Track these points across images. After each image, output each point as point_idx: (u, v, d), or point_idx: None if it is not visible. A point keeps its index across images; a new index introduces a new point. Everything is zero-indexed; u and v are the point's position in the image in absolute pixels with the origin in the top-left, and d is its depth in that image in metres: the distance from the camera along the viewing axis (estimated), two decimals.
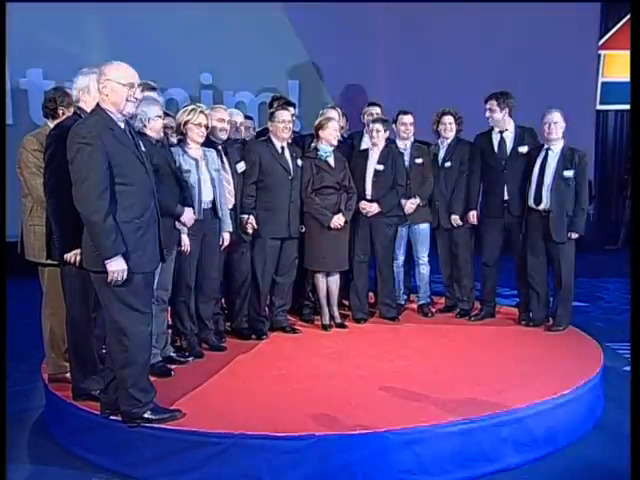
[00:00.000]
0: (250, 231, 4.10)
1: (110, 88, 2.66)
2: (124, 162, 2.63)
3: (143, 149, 2.79)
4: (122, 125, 2.71)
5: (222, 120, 3.91)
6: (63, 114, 3.31)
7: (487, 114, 4.45)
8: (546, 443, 3.03)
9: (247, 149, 4.19)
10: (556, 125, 4.21)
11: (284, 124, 4.14)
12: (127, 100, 2.67)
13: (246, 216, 4.08)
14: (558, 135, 4.23)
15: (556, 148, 4.25)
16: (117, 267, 2.59)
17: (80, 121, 2.72)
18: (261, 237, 4.16)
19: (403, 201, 4.58)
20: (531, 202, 4.29)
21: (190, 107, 3.71)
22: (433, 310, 4.88)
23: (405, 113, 4.67)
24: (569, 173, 4.19)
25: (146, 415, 2.78)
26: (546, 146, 4.29)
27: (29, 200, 3.36)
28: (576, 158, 4.20)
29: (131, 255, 2.65)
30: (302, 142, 4.65)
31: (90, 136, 2.56)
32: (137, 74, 2.75)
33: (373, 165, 4.50)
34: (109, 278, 2.60)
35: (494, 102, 4.41)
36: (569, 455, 3.04)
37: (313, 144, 4.45)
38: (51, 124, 3.25)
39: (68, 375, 3.22)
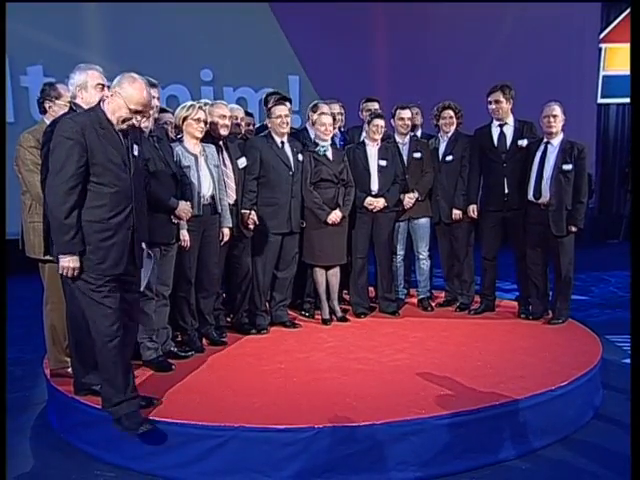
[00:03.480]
0: (252, 227, 4.12)
1: (116, 102, 2.64)
2: (104, 162, 2.61)
3: (135, 153, 2.74)
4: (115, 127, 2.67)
5: (223, 116, 3.90)
6: (50, 108, 3.34)
7: (492, 106, 4.42)
8: (545, 434, 3.04)
9: (248, 145, 4.19)
10: (555, 118, 4.21)
11: (281, 119, 4.15)
12: (124, 121, 2.64)
13: (247, 212, 4.10)
14: (557, 128, 4.23)
15: (555, 142, 4.25)
16: (69, 264, 2.59)
17: (70, 115, 2.73)
18: (262, 232, 4.18)
19: (402, 196, 4.60)
20: (530, 196, 4.29)
21: (189, 103, 3.72)
22: (433, 304, 4.90)
23: (403, 108, 4.67)
24: (568, 167, 4.19)
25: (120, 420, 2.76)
26: (545, 140, 4.28)
27: (28, 197, 3.37)
28: (575, 151, 4.20)
29: (89, 256, 2.63)
30: (300, 137, 4.66)
31: (72, 131, 2.57)
32: (151, 101, 2.76)
33: (375, 160, 4.51)
34: (59, 271, 2.63)
35: (500, 94, 4.39)
36: (568, 446, 3.05)
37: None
38: (47, 121, 3.26)
39: (69, 370, 3.24)
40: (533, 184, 4.27)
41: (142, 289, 3.05)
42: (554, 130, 4.22)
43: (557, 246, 4.25)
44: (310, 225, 4.31)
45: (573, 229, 4.23)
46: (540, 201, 4.25)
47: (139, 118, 2.71)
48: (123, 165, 2.67)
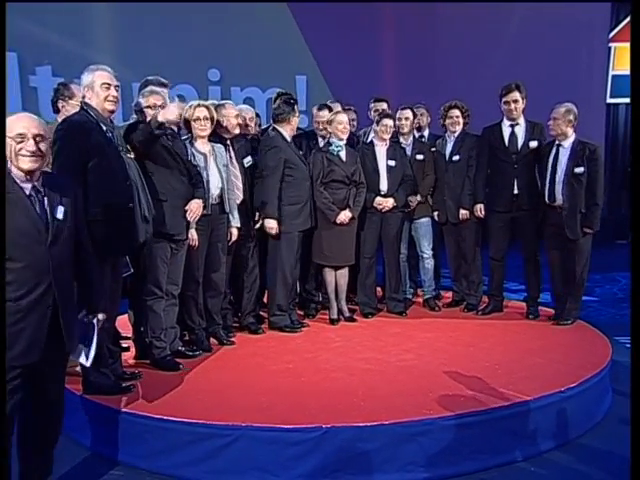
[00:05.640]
0: (274, 232, 4.09)
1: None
2: (14, 232, 2.17)
3: (59, 215, 2.28)
4: (30, 192, 2.26)
5: (238, 116, 3.99)
6: (63, 107, 3.35)
7: (510, 107, 4.36)
8: (553, 436, 3.03)
9: (270, 145, 4.10)
10: (555, 121, 4.15)
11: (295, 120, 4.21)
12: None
13: (273, 221, 4.05)
14: (557, 131, 4.17)
15: (566, 143, 4.19)
16: None
17: None
18: (288, 232, 4.13)
19: (410, 197, 4.61)
20: (546, 199, 4.25)
21: (189, 104, 3.73)
22: (440, 304, 4.89)
23: (403, 109, 4.68)
24: (580, 169, 4.11)
25: None
26: (557, 142, 4.24)
27: None
28: (587, 152, 4.11)
29: None
30: (306, 140, 4.64)
31: None
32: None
33: (384, 161, 4.51)
34: None
35: (517, 93, 4.35)
36: (576, 448, 3.04)
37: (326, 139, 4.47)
38: (60, 120, 3.28)
39: (79, 369, 3.24)
40: (547, 187, 4.23)
41: (88, 364, 2.58)
42: (553, 133, 4.18)
43: (573, 247, 4.19)
44: (320, 225, 4.31)
45: (588, 231, 4.17)
46: (556, 204, 4.20)
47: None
48: (37, 234, 2.22)
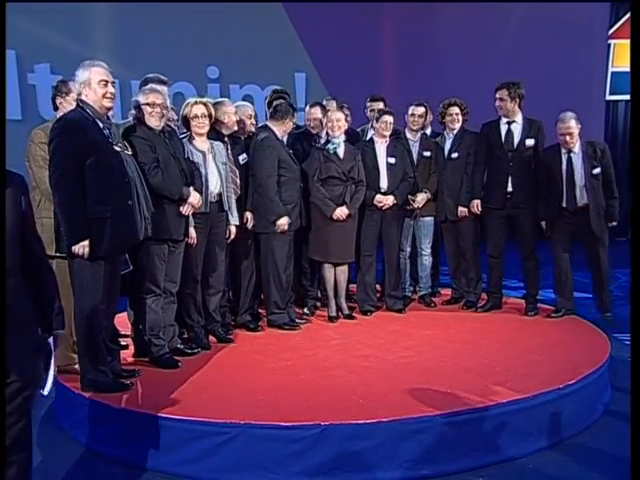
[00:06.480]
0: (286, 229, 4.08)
1: None
2: None
3: None
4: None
5: (251, 116, 4.12)
6: (61, 104, 3.35)
7: (497, 103, 4.41)
8: (552, 433, 3.03)
9: (266, 144, 4.07)
10: (572, 135, 4.19)
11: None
12: None
13: (284, 219, 4.03)
14: (575, 142, 4.21)
15: (576, 148, 4.24)
16: None
17: None
18: (281, 232, 4.11)
19: (412, 196, 4.60)
20: (564, 204, 4.27)
21: (186, 101, 3.73)
22: (435, 300, 4.90)
23: (418, 105, 4.68)
24: (597, 170, 4.22)
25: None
26: (565, 149, 4.25)
27: (37, 193, 3.39)
28: (598, 152, 4.23)
29: None
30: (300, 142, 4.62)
31: None
32: None
33: (384, 158, 4.50)
34: None
35: (505, 92, 4.37)
36: (575, 445, 3.03)
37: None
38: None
39: (77, 366, 3.25)
40: (565, 193, 4.24)
41: (45, 392, 2.09)
42: (571, 146, 4.21)
43: (596, 242, 4.27)
44: (318, 221, 4.30)
45: (613, 224, 4.30)
46: (579, 206, 4.23)
47: None
48: None
